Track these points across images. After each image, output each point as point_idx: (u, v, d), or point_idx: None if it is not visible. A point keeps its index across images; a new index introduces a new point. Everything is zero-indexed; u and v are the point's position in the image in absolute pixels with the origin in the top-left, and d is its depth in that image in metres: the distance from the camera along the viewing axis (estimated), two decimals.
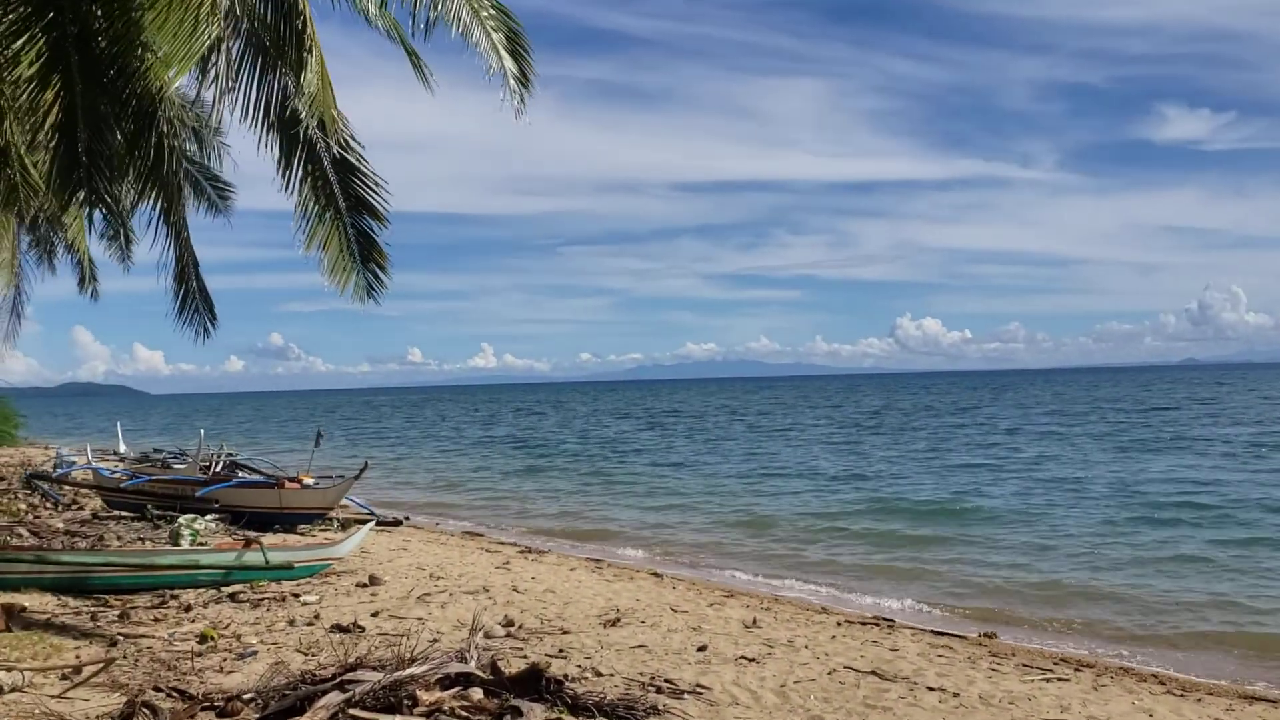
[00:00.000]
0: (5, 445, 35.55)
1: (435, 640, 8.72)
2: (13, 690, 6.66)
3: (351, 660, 6.83)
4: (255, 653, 8.44)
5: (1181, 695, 8.73)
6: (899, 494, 24.98)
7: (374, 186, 10.41)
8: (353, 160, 10.32)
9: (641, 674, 8.06)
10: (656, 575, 14.68)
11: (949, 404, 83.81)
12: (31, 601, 10.02)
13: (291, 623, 9.77)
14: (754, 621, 10.86)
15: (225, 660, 8.18)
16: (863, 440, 45.00)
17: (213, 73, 9.06)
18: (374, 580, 12.20)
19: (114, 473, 19.39)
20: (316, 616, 10.07)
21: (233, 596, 10.96)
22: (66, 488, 19.76)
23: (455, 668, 6.54)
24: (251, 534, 14.84)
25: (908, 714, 7.42)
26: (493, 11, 10.22)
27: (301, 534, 16.77)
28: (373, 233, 10.53)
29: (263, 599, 10.92)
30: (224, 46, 8.91)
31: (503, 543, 18.33)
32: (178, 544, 13.51)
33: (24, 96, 9.70)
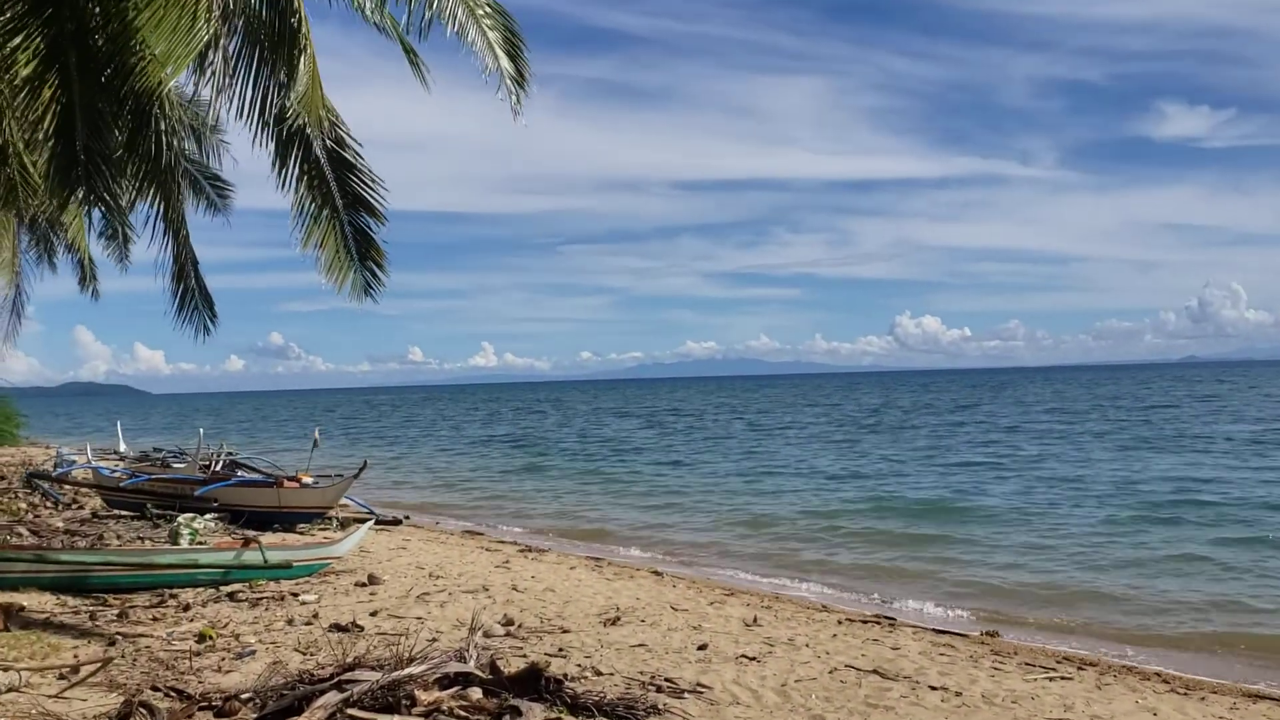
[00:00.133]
0: (6, 445, 35.53)
1: (434, 639, 8.69)
2: (10, 690, 6.63)
3: (350, 660, 6.81)
4: (254, 652, 8.41)
5: (1185, 694, 8.70)
6: (899, 492, 24.95)
7: (371, 184, 10.39)
8: (349, 158, 10.29)
9: (642, 673, 8.03)
10: (656, 574, 14.65)
11: (949, 402, 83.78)
12: (30, 600, 10.00)
13: (290, 622, 9.74)
14: (754, 620, 10.83)
15: (224, 660, 8.15)
16: (862, 438, 44.96)
17: (209, 70, 9.04)
18: (373, 579, 12.17)
19: (114, 472, 19.36)
20: (315, 616, 10.04)
21: (231, 596, 10.94)
22: (66, 487, 19.74)
23: (454, 667, 6.51)
24: (250, 533, 14.82)
25: (910, 713, 7.38)
26: (489, 9, 10.19)
27: (301, 533, 16.74)
28: (370, 230, 10.51)
29: (261, 598, 10.89)
30: (221, 44, 8.89)
31: (502, 542, 18.31)
32: (177, 543, 13.48)
33: (22, 95, 9.69)
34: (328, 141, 10.34)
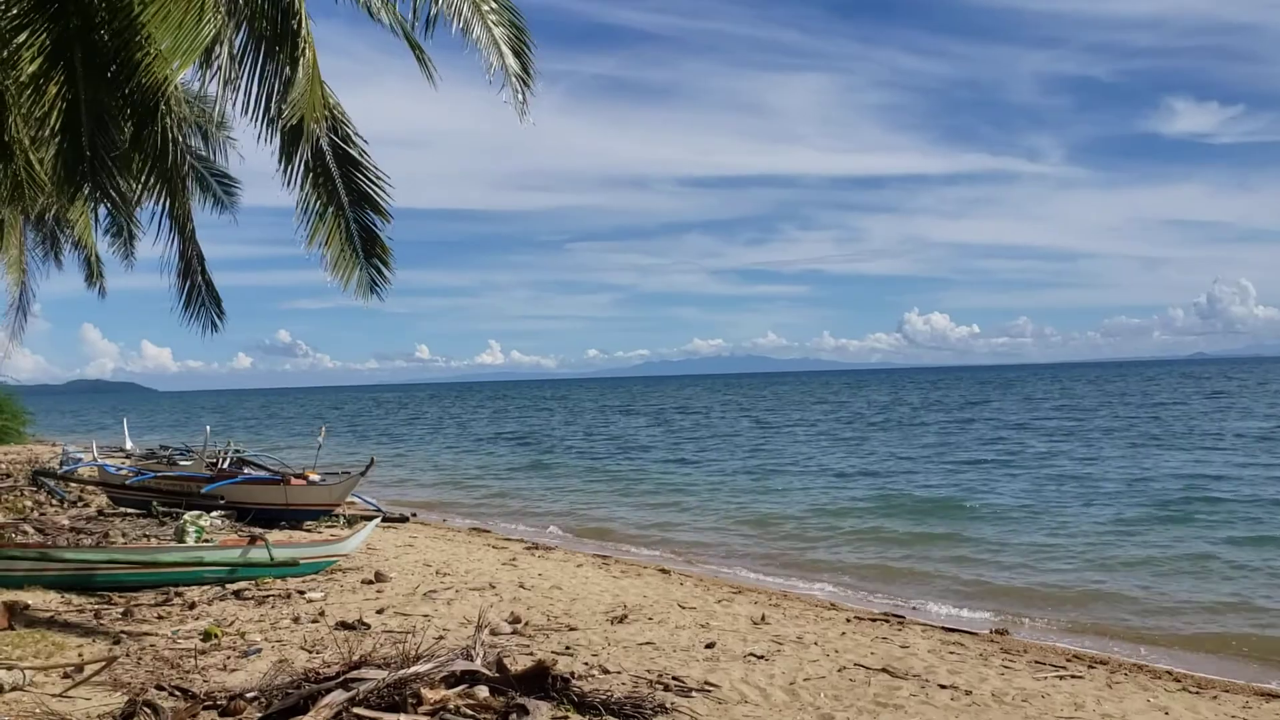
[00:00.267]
0: (12, 443, 35.58)
1: (441, 637, 8.65)
2: (13, 689, 6.60)
3: (356, 658, 6.77)
4: (259, 650, 8.38)
5: (1197, 692, 8.62)
6: (908, 490, 24.87)
7: (376, 181, 10.34)
8: (355, 155, 10.25)
9: (649, 671, 7.98)
10: (664, 571, 14.60)
11: (957, 399, 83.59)
12: (35, 599, 9.98)
13: (296, 620, 9.71)
14: (763, 618, 10.77)
15: (229, 658, 8.12)
16: (871, 436, 44.87)
17: (215, 66, 9.00)
18: (380, 577, 12.13)
19: (120, 469, 19.35)
20: (321, 613, 10.01)
21: (238, 594, 10.91)
22: (72, 484, 19.74)
23: (460, 665, 6.47)
24: (257, 530, 14.80)
25: (920, 712, 7.33)
26: (495, 5, 10.13)
27: (307, 530, 16.72)
28: (376, 228, 10.46)
29: (268, 596, 10.86)
30: (226, 40, 8.85)
31: (509, 539, 18.27)
32: (183, 541, 13.46)
33: (28, 92, 9.66)
34: (333, 138, 10.31)
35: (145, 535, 14.67)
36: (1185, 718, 7.70)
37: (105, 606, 10.02)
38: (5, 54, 9.78)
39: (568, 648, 8.77)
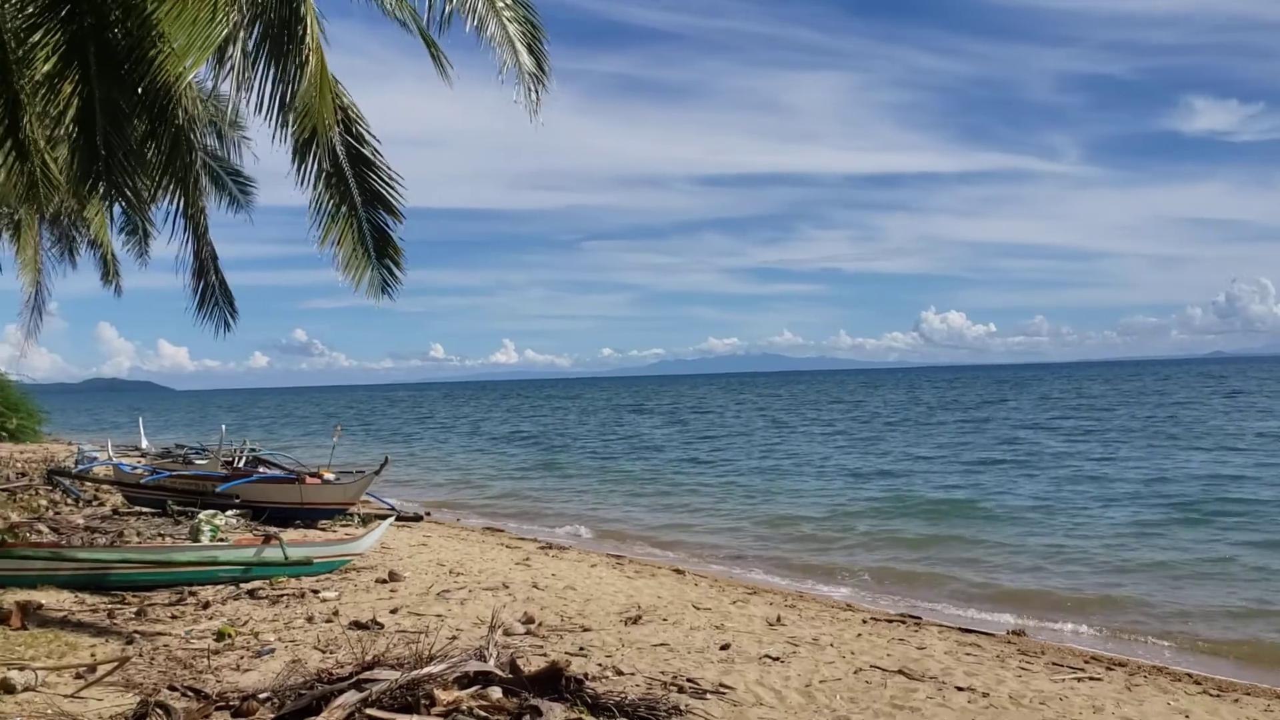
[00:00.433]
0: (29, 441, 35.73)
1: (454, 637, 8.62)
2: (25, 690, 6.58)
3: (369, 658, 6.73)
4: (273, 650, 8.35)
5: (1218, 695, 8.52)
6: (924, 491, 24.75)
7: (389, 181, 10.31)
8: (368, 155, 10.22)
9: (663, 673, 7.93)
10: (679, 572, 14.55)
11: (974, 398, 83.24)
12: (48, 599, 9.97)
13: (310, 619, 9.69)
14: (778, 619, 10.71)
15: (242, 658, 8.10)
16: (887, 435, 44.71)
17: (229, 65, 8.98)
18: (394, 576, 12.10)
19: (135, 468, 19.40)
20: (335, 613, 9.99)
21: (252, 593, 10.89)
22: (88, 484, 19.78)
23: (474, 666, 6.43)
24: (272, 529, 14.80)
25: (936, 714, 7.26)
26: (509, 1, 10.09)
27: (322, 529, 16.72)
28: (388, 228, 10.43)
29: (282, 595, 10.84)
30: (240, 38, 8.83)
31: (523, 538, 18.24)
32: (198, 540, 13.47)
33: (42, 91, 9.67)
34: (347, 138, 10.28)
35: (160, 534, 14.69)
36: None
37: (119, 606, 10.00)
38: (20, 54, 9.81)
39: (581, 649, 8.72)
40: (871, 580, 14.81)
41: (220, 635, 8.78)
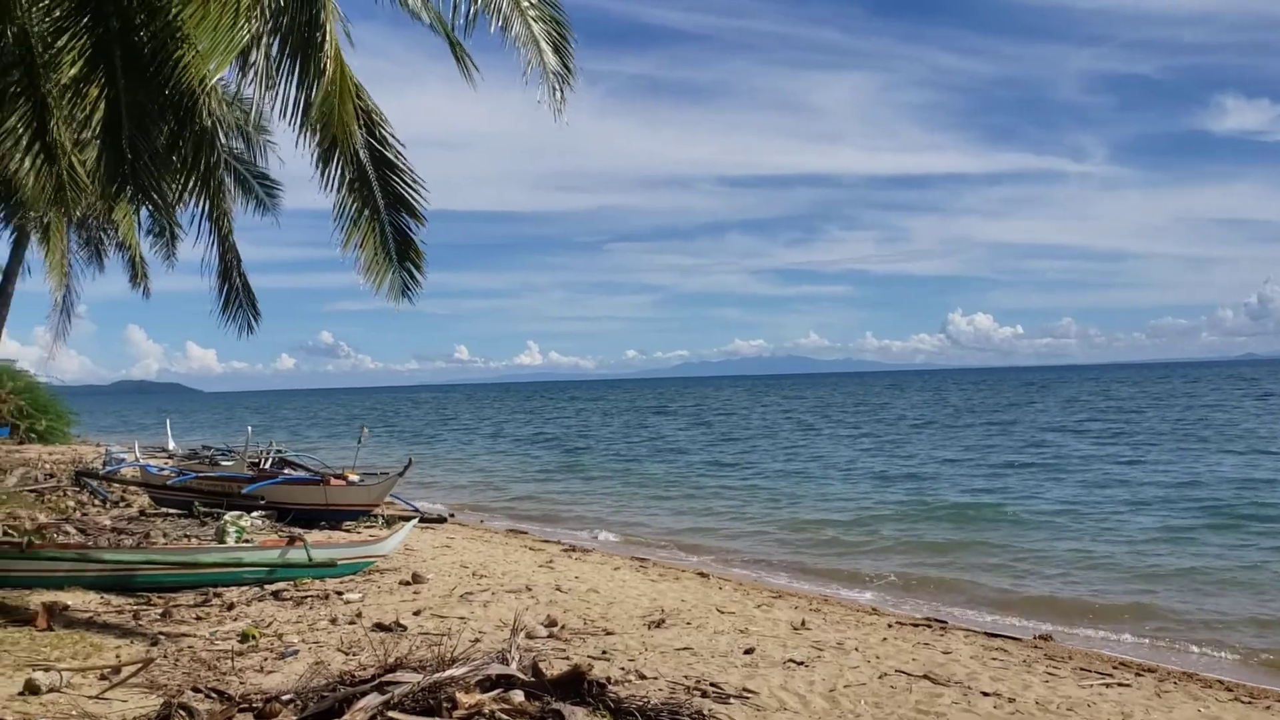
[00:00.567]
0: (57, 443, 36.00)
1: (477, 640, 8.60)
2: (50, 690, 6.60)
3: (391, 661, 6.71)
4: (296, 652, 8.36)
5: (1250, 702, 8.41)
6: (950, 494, 24.59)
7: (412, 184, 10.33)
8: (391, 157, 10.25)
9: (687, 677, 7.89)
10: (703, 575, 14.49)
11: (1001, 400, 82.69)
12: (75, 600, 10.03)
13: (334, 621, 9.70)
14: (802, 623, 10.65)
15: (266, 660, 8.11)
16: (913, 438, 44.47)
17: (252, 70, 9.02)
18: (417, 578, 12.11)
19: (162, 470, 19.51)
20: (359, 615, 9.99)
21: (276, 594, 10.91)
22: (115, 485, 19.92)
23: (496, 669, 6.40)
24: (296, 531, 14.84)
25: None
26: (534, 1, 10.08)
27: (347, 531, 16.76)
28: (410, 231, 10.45)
29: (306, 597, 10.86)
30: (263, 42, 8.86)
31: (546, 541, 18.23)
32: (223, 541, 13.52)
33: (69, 94, 9.73)
34: (370, 140, 10.31)
35: (186, 536, 14.76)
36: None
37: (144, 607, 10.04)
38: (46, 57, 9.88)
39: (604, 652, 8.68)
40: (897, 584, 14.70)
41: (244, 637, 8.80)
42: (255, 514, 15.79)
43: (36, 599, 9.65)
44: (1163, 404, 66.53)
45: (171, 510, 17.39)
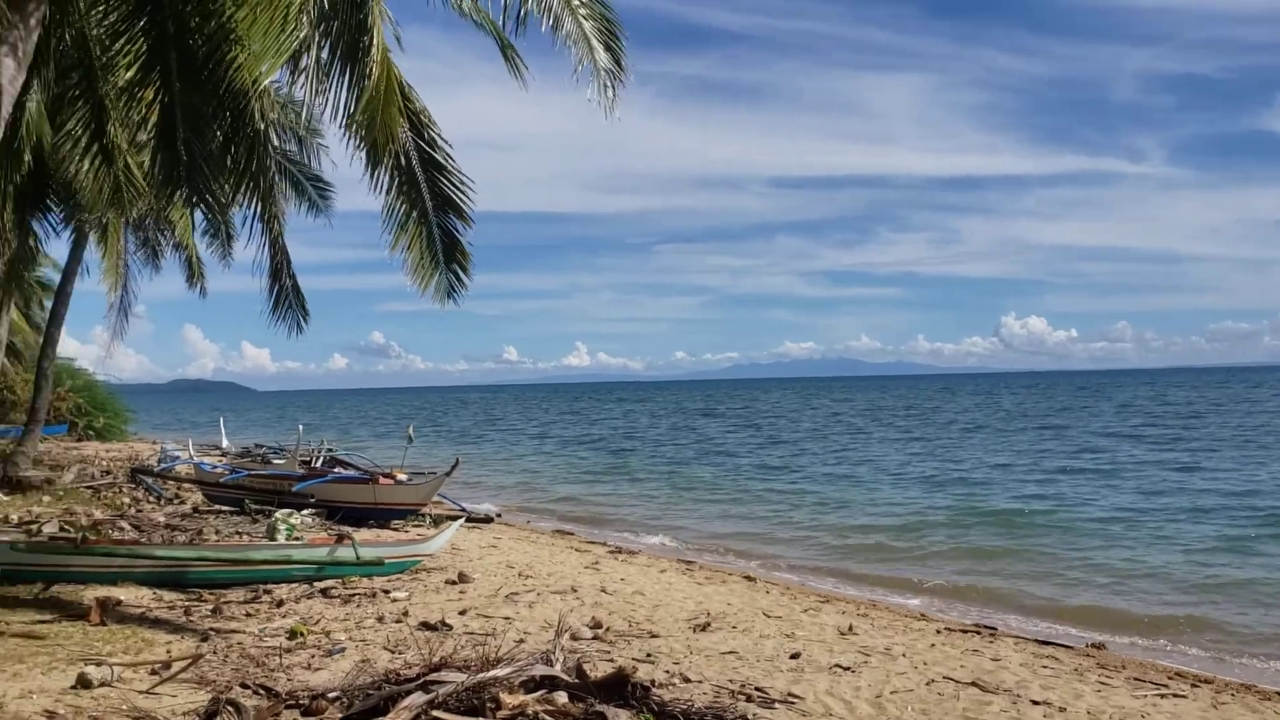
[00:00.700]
0: (114, 440, 36.66)
1: (521, 640, 8.61)
2: (101, 685, 6.70)
3: (436, 660, 6.74)
4: (343, 649, 8.42)
5: None
6: (1001, 500, 24.27)
7: (460, 186, 10.39)
8: (440, 159, 10.32)
9: (731, 681, 7.83)
10: (749, 579, 14.42)
11: (1055, 405, 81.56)
12: (128, 595, 10.17)
13: (380, 619, 9.76)
14: (850, 628, 10.54)
15: (313, 657, 8.16)
16: (964, 443, 43.99)
17: (303, 73, 9.11)
18: (463, 578, 12.16)
19: (215, 468, 19.77)
20: (405, 613, 10.05)
21: (324, 592, 11.01)
22: (169, 482, 20.21)
23: (540, 670, 6.40)
24: (345, 529, 14.97)
25: None
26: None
27: (394, 530, 16.88)
28: (457, 233, 10.51)
29: (354, 595, 10.94)
30: (314, 46, 8.94)
31: (592, 542, 18.23)
32: (274, 538, 13.66)
33: (125, 97, 9.90)
34: (419, 142, 10.38)
35: (238, 533, 14.94)
36: None
37: (196, 603, 10.17)
38: (104, 60, 10.05)
39: (649, 655, 8.65)
40: (946, 590, 14.53)
41: (292, 634, 8.87)
42: (305, 512, 15.94)
43: (90, 594, 9.81)
44: (1222, 409, 65.25)
45: (224, 507, 17.61)
